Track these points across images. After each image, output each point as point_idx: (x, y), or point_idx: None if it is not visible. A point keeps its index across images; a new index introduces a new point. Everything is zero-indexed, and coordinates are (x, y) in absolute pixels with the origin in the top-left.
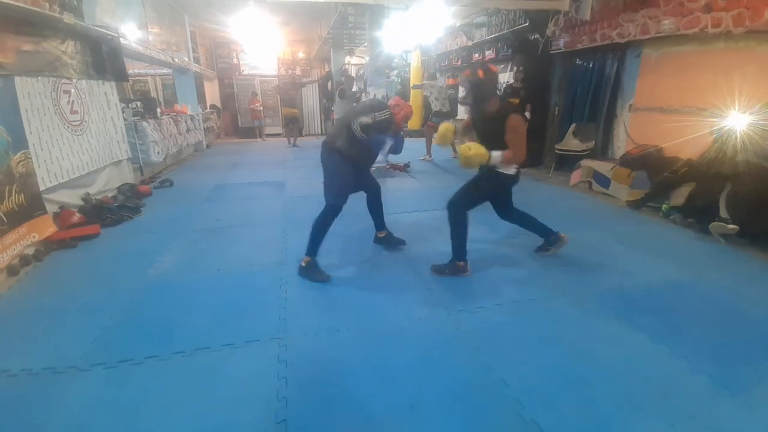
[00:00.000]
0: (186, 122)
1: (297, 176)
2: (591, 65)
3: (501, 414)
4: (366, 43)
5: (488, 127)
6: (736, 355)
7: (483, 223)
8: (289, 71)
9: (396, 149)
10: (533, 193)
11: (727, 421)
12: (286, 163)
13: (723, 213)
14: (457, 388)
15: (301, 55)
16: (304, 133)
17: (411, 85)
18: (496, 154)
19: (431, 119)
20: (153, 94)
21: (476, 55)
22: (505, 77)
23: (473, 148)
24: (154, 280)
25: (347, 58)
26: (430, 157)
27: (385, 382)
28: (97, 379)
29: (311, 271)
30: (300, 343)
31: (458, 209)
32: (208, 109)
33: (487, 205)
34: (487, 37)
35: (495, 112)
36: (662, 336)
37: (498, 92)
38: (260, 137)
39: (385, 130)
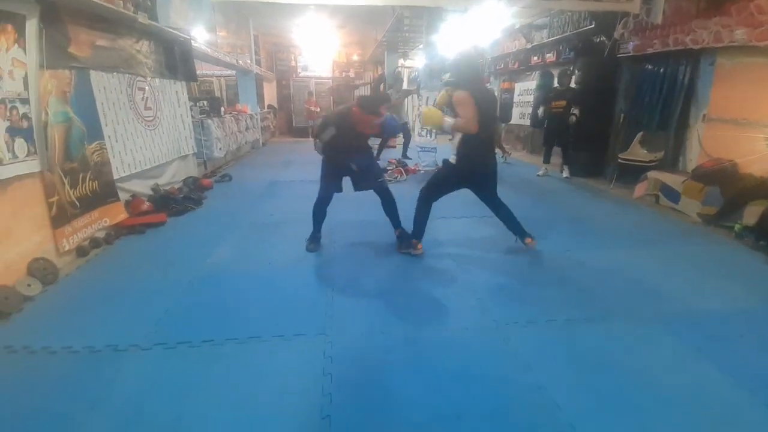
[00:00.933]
0: (246, 121)
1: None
2: (662, 71)
3: None
4: (421, 46)
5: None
6: None
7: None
8: (343, 73)
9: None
10: (592, 204)
11: None
12: None
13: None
14: (505, 403)
15: (355, 57)
16: None
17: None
18: (448, 120)
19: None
20: (217, 93)
21: (535, 57)
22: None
23: (431, 110)
24: (212, 268)
25: (401, 61)
26: None
27: (429, 390)
28: (156, 358)
29: (313, 243)
30: (346, 341)
31: (423, 197)
32: (265, 109)
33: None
34: (547, 40)
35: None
36: (729, 366)
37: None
38: (313, 137)
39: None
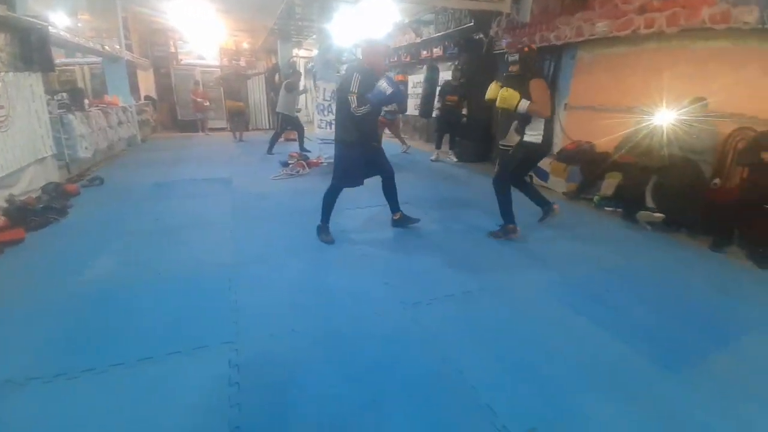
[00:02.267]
0: (117, 115)
1: (245, 172)
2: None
3: (459, 402)
4: (315, 36)
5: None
6: (675, 336)
7: (435, 209)
8: (233, 61)
9: (391, 98)
10: (481, 186)
11: (674, 400)
12: (233, 159)
13: (649, 202)
14: (416, 380)
15: (245, 45)
16: (250, 128)
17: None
18: (525, 102)
19: (384, 115)
20: (80, 84)
21: (424, 51)
22: (449, 75)
23: (510, 91)
24: (88, 287)
25: (295, 51)
26: None
27: (345, 380)
28: (32, 395)
29: (320, 232)
30: (254, 346)
31: (499, 184)
32: (142, 101)
33: (443, 188)
34: (434, 35)
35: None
36: (605, 321)
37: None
38: (203, 131)
39: (373, 84)
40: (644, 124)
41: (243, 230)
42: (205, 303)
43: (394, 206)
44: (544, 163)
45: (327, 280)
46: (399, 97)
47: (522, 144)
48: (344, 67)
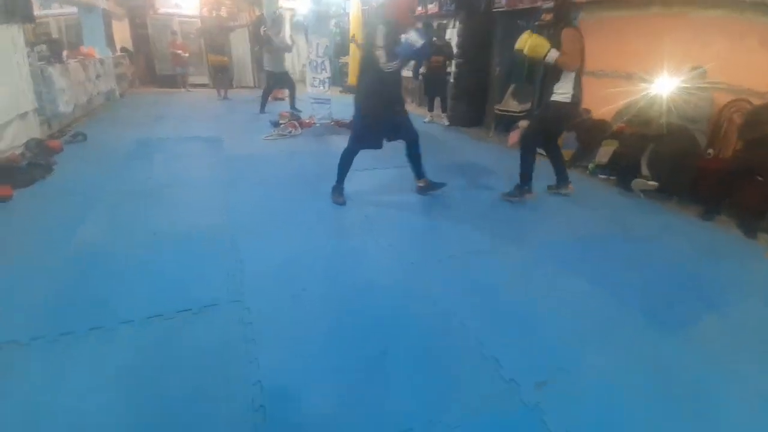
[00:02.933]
0: (95, 67)
1: (234, 132)
2: (530, 27)
3: (466, 354)
4: None
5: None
6: (664, 298)
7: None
8: (213, 12)
9: (421, 51)
10: (475, 152)
11: (668, 354)
12: (220, 117)
13: (644, 171)
14: (423, 334)
15: None
16: (234, 85)
17: (350, 37)
18: (554, 53)
19: None
20: (56, 36)
21: (419, 8)
22: (448, 34)
23: (540, 39)
24: (84, 247)
25: (281, 2)
26: None
27: (356, 336)
28: (38, 353)
29: (333, 192)
30: (263, 305)
31: (526, 143)
32: (118, 53)
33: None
34: None
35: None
36: (599, 282)
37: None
38: (184, 87)
39: (397, 39)
40: (643, 92)
41: (238, 192)
42: (208, 263)
43: (419, 173)
44: None
45: (330, 242)
46: (427, 49)
47: (549, 104)
48: (333, 22)
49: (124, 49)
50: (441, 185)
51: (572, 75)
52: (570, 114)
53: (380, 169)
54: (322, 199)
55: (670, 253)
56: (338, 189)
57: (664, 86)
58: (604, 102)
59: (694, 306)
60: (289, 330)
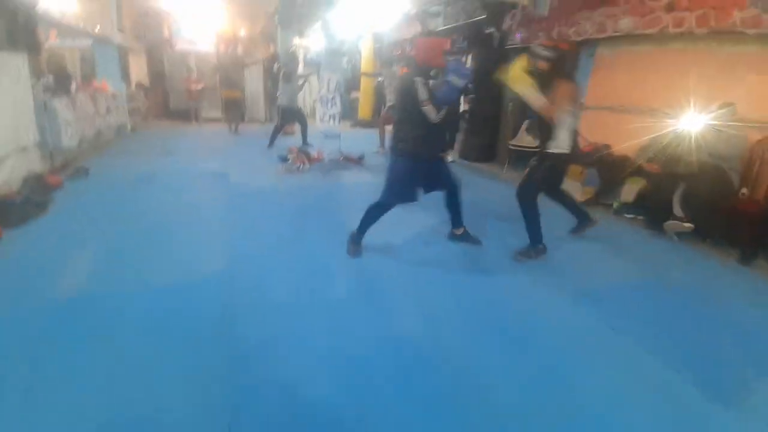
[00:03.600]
0: (106, 101)
1: (241, 167)
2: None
3: None
4: (317, 25)
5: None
6: (718, 361)
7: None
8: (230, 49)
9: (462, 74)
10: (488, 188)
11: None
12: (229, 152)
13: (677, 212)
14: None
15: (243, 32)
16: (246, 119)
17: (361, 71)
18: (539, 99)
19: (388, 111)
20: (70, 67)
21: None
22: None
23: (522, 74)
24: (67, 291)
25: (296, 39)
26: (384, 149)
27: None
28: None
29: (351, 242)
30: (263, 373)
31: (525, 198)
32: (133, 88)
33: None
34: (442, 27)
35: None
36: (646, 342)
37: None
38: (196, 120)
39: (436, 84)
40: (667, 128)
41: (242, 233)
42: (197, 334)
43: (457, 221)
44: None
45: (337, 292)
46: (469, 81)
47: (545, 156)
48: (344, 59)
49: (139, 85)
50: (476, 241)
51: (566, 125)
52: (568, 164)
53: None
54: (332, 241)
55: (715, 305)
56: (357, 240)
57: (691, 123)
58: (626, 137)
59: (747, 371)
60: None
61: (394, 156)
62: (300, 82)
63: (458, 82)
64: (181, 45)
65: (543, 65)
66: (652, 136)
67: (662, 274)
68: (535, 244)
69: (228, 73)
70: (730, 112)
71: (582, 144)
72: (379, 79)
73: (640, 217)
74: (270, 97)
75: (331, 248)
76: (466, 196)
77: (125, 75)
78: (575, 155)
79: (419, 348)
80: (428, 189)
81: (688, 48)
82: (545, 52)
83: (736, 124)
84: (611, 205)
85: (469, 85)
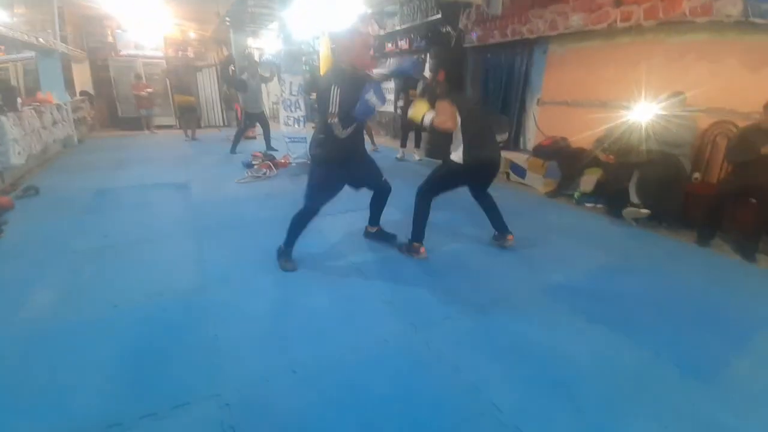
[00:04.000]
0: (52, 113)
1: (203, 176)
2: (502, 60)
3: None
4: (271, 26)
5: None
6: (691, 340)
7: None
8: (180, 53)
9: (381, 97)
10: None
11: (709, 411)
12: (188, 160)
13: (634, 199)
14: (447, 416)
15: (192, 34)
16: (202, 125)
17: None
18: (428, 116)
19: None
20: (13, 82)
21: (389, 44)
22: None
23: (417, 105)
24: (27, 326)
25: (250, 41)
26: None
27: (365, 426)
28: None
29: (280, 256)
30: (247, 396)
31: (422, 196)
32: (78, 97)
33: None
34: (399, 27)
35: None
36: (619, 326)
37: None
38: (148, 129)
39: (357, 91)
40: (621, 119)
41: (207, 245)
42: (175, 342)
43: (375, 219)
44: (521, 160)
45: (316, 303)
46: (383, 102)
47: (446, 162)
48: (303, 59)
49: (84, 93)
50: (391, 236)
51: (461, 139)
52: (466, 173)
53: (359, 212)
54: (305, 247)
55: (679, 286)
56: (287, 253)
57: (642, 113)
58: (581, 130)
59: (719, 346)
60: (277, 423)
61: (312, 162)
62: (265, 81)
63: (376, 103)
64: (126, 50)
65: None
66: (607, 127)
67: (626, 259)
68: (412, 240)
69: (179, 77)
70: (681, 101)
71: (540, 138)
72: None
73: (600, 206)
74: (226, 101)
75: (310, 258)
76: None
77: (69, 84)
78: (473, 168)
79: (406, 350)
80: (357, 186)
81: (637, 41)
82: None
83: (687, 112)
84: (572, 195)
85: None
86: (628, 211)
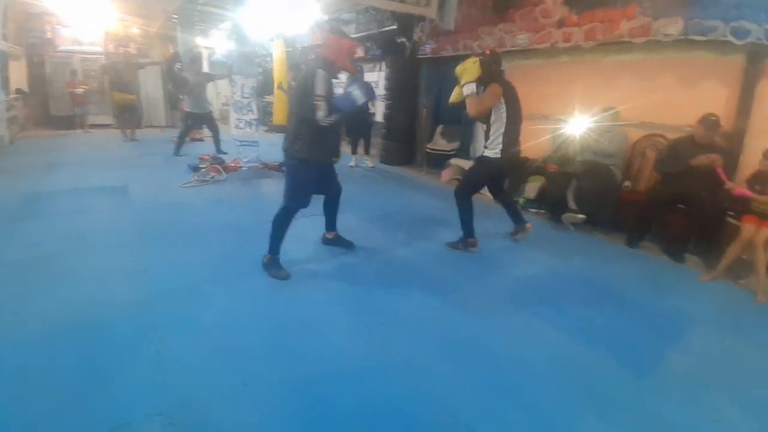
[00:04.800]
0: None
1: (143, 178)
2: (454, 72)
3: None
4: (223, 25)
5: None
6: (629, 337)
7: (368, 223)
8: (121, 48)
9: (367, 94)
10: (412, 189)
11: (652, 403)
12: (126, 162)
13: (572, 205)
14: (404, 421)
15: (135, 30)
16: (144, 125)
17: (276, 84)
18: (472, 87)
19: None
20: None
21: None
22: (374, 77)
23: (471, 62)
24: None
25: (199, 40)
26: None
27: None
28: None
29: (270, 267)
30: (195, 414)
31: (462, 195)
32: (12, 95)
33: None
34: (355, 35)
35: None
36: (563, 325)
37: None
38: (82, 128)
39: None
40: (561, 132)
41: (150, 255)
42: (114, 361)
43: (332, 224)
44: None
45: (269, 311)
46: (366, 106)
47: (481, 159)
48: (256, 61)
49: (19, 91)
50: (348, 243)
51: (501, 131)
52: (502, 167)
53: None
54: (257, 255)
55: (614, 286)
56: (275, 261)
57: (579, 126)
58: (525, 141)
59: (656, 342)
60: None
61: (288, 158)
62: (211, 78)
63: (358, 96)
64: (65, 46)
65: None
66: (548, 139)
67: (565, 260)
68: (465, 237)
69: (120, 74)
70: (613, 115)
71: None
72: (293, 83)
73: (542, 211)
74: (170, 100)
75: (259, 269)
76: (395, 199)
77: (4, 82)
78: (508, 160)
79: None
80: (319, 191)
81: (576, 60)
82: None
83: (618, 125)
84: (518, 201)
85: (370, 105)
86: (566, 217)
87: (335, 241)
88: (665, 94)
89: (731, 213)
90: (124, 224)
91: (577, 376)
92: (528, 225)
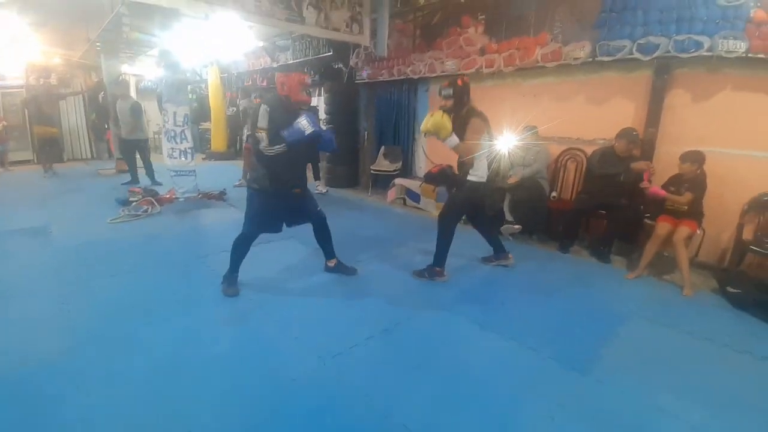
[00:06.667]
0: None
1: (67, 217)
2: (391, 96)
3: None
4: (150, 52)
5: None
6: (564, 336)
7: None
8: (41, 79)
9: (311, 138)
10: (357, 211)
11: (591, 399)
12: (48, 200)
13: (508, 217)
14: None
15: (57, 60)
16: (66, 159)
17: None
18: (455, 139)
19: (248, 140)
20: None
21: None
22: (313, 101)
23: (444, 116)
24: None
25: (125, 67)
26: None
27: None
28: None
29: (225, 282)
30: None
31: (447, 222)
32: None
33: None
34: (291, 61)
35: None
36: (506, 331)
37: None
38: (2, 167)
39: (288, 120)
40: (492, 150)
41: (75, 299)
42: (38, 419)
43: (329, 253)
44: (415, 186)
45: (211, 350)
46: (325, 136)
47: (465, 184)
48: (189, 88)
49: None
50: (352, 270)
51: (484, 156)
52: (487, 193)
53: (276, 242)
54: (200, 287)
55: (549, 288)
56: (231, 279)
57: (506, 144)
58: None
59: (589, 340)
60: None
61: (247, 187)
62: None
63: (305, 126)
64: None
65: (447, 102)
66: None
67: (505, 269)
68: (433, 265)
69: (41, 106)
70: (534, 133)
71: (430, 166)
72: (233, 108)
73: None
74: (95, 131)
75: (205, 300)
76: (339, 222)
77: None
78: (492, 184)
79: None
80: (291, 222)
81: (499, 84)
82: (445, 92)
83: (541, 142)
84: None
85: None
86: (504, 228)
87: (337, 268)
88: (580, 112)
89: (647, 215)
90: (46, 267)
91: (518, 378)
92: (510, 255)
